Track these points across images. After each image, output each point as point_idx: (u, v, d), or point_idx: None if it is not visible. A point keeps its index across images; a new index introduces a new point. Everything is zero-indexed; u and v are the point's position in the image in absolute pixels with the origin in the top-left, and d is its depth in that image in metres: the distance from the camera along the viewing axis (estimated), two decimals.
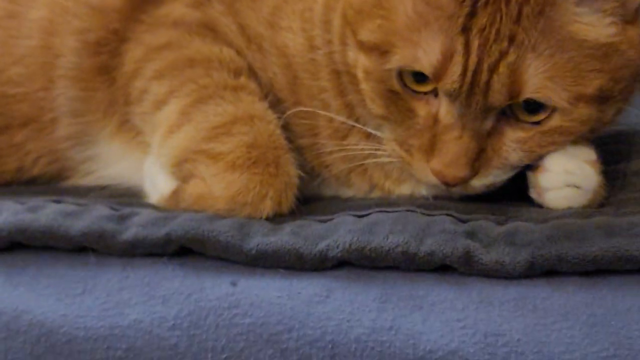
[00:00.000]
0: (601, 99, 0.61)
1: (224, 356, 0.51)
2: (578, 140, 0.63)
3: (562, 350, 0.47)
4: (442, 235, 0.55)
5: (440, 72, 0.58)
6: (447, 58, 0.58)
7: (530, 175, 0.64)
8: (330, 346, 0.50)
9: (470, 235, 0.56)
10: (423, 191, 0.68)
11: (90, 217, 0.61)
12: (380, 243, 0.55)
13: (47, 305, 0.55)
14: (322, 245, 0.56)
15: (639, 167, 0.71)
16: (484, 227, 0.58)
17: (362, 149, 0.67)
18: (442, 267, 0.54)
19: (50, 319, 0.54)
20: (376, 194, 0.70)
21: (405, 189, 0.69)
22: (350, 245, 0.55)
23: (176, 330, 0.52)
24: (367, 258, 0.55)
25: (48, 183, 0.77)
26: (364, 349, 0.49)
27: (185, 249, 0.58)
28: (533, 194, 0.64)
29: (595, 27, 0.59)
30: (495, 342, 0.48)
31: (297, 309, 0.52)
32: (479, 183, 0.62)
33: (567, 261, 0.52)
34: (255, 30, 0.71)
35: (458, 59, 0.58)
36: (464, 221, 0.60)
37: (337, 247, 0.55)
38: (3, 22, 0.75)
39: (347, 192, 0.71)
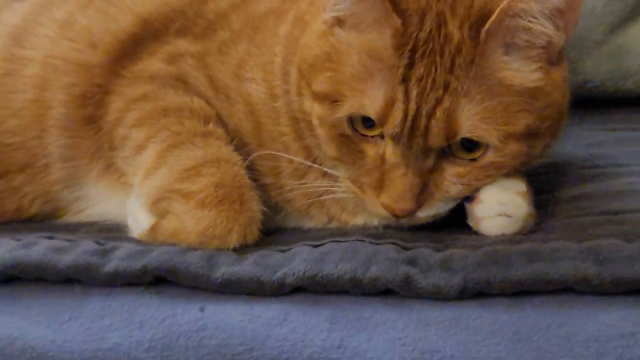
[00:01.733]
0: (529, 136, 0.59)
1: None
2: (510, 173, 0.61)
3: None
4: (385, 262, 0.54)
5: (383, 118, 0.57)
6: (389, 105, 0.56)
7: (467, 205, 0.63)
8: None
9: (411, 262, 0.55)
10: (375, 222, 0.65)
11: (77, 252, 0.59)
12: (330, 271, 0.53)
13: (37, 332, 0.54)
14: (279, 274, 0.54)
15: (568, 195, 0.69)
16: (424, 254, 0.56)
17: (320, 186, 0.66)
18: (385, 291, 0.52)
19: (40, 344, 0.53)
20: (334, 224, 0.68)
21: (359, 220, 0.67)
22: (304, 273, 0.54)
23: (151, 352, 0.51)
24: (319, 284, 0.53)
25: (43, 221, 0.75)
26: None
27: (160, 279, 0.56)
28: (470, 222, 0.63)
29: (521, 72, 0.57)
30: (430, 358, 0.47)
31: (257, 331, 0.51)
32: (424, 214, 0.60)
33: (495, 284, 0.50)
34: (223, 81, 0.69)
35: (399, 106, 0.56)
36: (407, 249, 0.58)
37: (293, 274, 0.54)
38: (2, 79, 0.73)
39: (308, 224, 0.69)
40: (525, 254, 0.54)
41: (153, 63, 0.71)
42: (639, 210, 0.63)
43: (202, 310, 0.53)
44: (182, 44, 0.72)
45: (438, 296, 0.51)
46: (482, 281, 0.51)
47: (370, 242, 0.59)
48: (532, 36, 0.57)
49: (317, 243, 0.60)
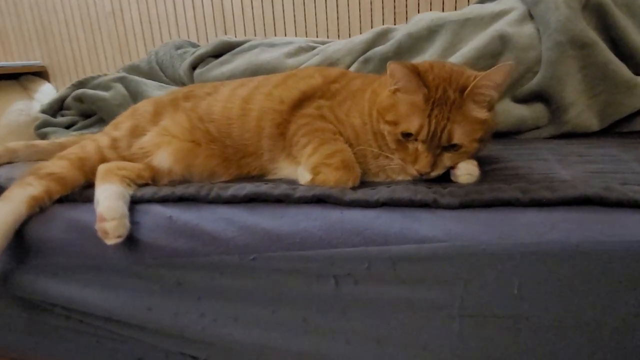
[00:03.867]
0: (480, 141, 0.83)
1: (336, 241, 0.76)
2: (471, 156, 0.86)
3: (477, 234, 0.70)
4: (422, 192, 0.76)
5: (419, 132, 0.81)
6: (421, 127, 0.80)
7: (451, 171, 0.85)
8: (382, 234, 0.71)
9: (434, 192, 0.76)
10: (407, 178, 0.88)
11: (281, 188, 0.82)
12: (400, 196, 0.76)
13: (267, 222, 0.78)
14: (375, 197, 0.76)
15: (489, 168, 0.91)
16: (438, 189, 0.78)
17: (384, 163, 0.89)
18: (424, 205, 0.74)
19: (269, 227, 0.76)
20: (388, 180, 0.91)
21: (400, 177, 0.89)
22: (388, 196, 0.76)
23: (321, 231, 0.75)
24: (394, 202, 0.75)
25: (260, 178, 1.00)
26: (395, 235, 0.70)
27: (320, 200, 0.79)
28: (452, 178, 0.85)
29: (480, 113, 0.82)
30: (450, 232, 0.70)
31: (368, 222, 0.72)
32: (434, 174, 0.83)
33: (475, 202, 0.74)
34: (341, 117, 0.93)
35: (426, 127, 0.80)
36: (429, 187, 0.79)
37: (382, 197, 0.75)
38: (241, 117, 1.00)
39: (377, 179, 0.92)
40: (487, 189, 0.76)
41: (309, 110, 0.96)
42: (527, 174, 0.85)
43: (342, 213, 0.75)
44: (322, 102, 0.96)
45: (449, 207, 0.73)
46: (469, 200, 0.74)
47: (412, 185, 0.80)
48: (485, 97, 0.80)
49: (387, 186, 0.81)
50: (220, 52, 1.65)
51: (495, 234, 0.69)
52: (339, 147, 0.89)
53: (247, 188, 0.85)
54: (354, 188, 0.83)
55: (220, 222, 0.81)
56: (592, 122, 1.15)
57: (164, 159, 1.00)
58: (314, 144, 0.90)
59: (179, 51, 1.83)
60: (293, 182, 0.90)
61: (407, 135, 0.85)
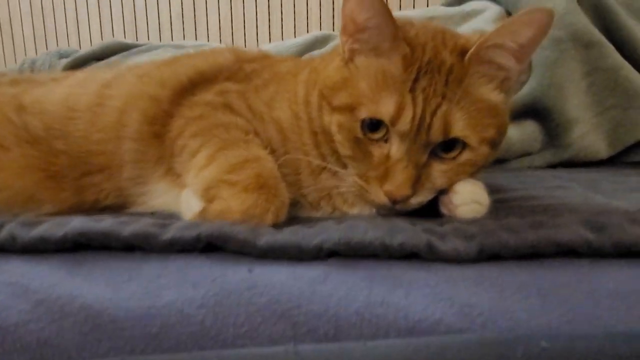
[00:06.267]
0: (493, 144, 0.54)
1: (243, 330, 0.39)
2: (476, 172, 0.56)
3: (527, 316, 0.36)
4: (407, 231, 0.45)
5: (395, 119, 0.51)
6: (400, 109, 0.51)
7: (443, 198, 0.56)
8: (334, 319, 0.38)
9: (428, 231, 0.46)
10: (367, 211, 0.58)
11: (139, 224, 0.48)
12: (362, 238, 0.44)
13: (97, 291, 0.42)
14: (317, 240, 0.44)
15: (495, 198, 0.61)
16: (432, 226, 0.47)
17: (330, 183, 0.59)
18: (410, 256, 0.43)
19: (98, 302, 0.41)
20: (336, 214, 0.61)
21: (355, 210, 0.60)
22: (339, 239, 0.44)
23: (203, 309, 0.40)
24: (353, 249, 0.44)
25: (116, 211, 0.66)
26: (362, 320, 0.38)
27: (211, 246, 0.46)
28: (445, 210, 0.55)
29: (491, 92, 0.54)
30: (470, 312, 0.37)
31: (303, 289, 0.40)
32: (415, 201, 0.53)
33: (510, 247, 0.42)
34: (259, 109, 0.63)
35: (409, 108, 0.51)
36: (413, 224, 0.49)
37: (329, 241, 0.44)
38: (93, 108, 0.66)
39: (317, 214, 0.62)
40: (525, 224, 0.45)
41: (207, 95, 0.65)
42: (560, 204, 0.57)
43: (250, 271, 0.43)
44: (228, 85, 0.67)
45: (457, 258, 0.43)
46: (497, 245, 0.42)
47: (382, 220, 0.50)
48: (498, 67, 0.53)
49: (339, 220, 0.51)
50: (110, 54, 1.23)
51: (568, 313, 0.37)
52: (253, 153, 0.57)
53: (74, 222, 0.50)
54: (276, 225, 0.52)
55: (2, 291, 0.43)
56: (599, 146, 0.86)
57: None
58: (210, 149, 0.58)
59: (63, 60, 1.44)
60: (173, 217, 0.57)
61: (373, 126, 0.53)
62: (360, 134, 0.53)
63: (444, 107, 0.51)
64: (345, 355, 0.36)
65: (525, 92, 0.92)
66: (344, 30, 0.55)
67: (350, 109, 0.53)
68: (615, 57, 0.89)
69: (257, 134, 0.61)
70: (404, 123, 0.51)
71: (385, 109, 0.51)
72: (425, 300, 0.38)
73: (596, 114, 0.89)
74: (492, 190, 0.66)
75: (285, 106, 0.62)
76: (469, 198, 0.54)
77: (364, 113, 0.52)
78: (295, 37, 1.62)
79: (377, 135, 0.53)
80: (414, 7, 1.56)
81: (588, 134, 0.89)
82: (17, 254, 0.48)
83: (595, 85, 0.90)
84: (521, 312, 0.36)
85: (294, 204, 0.59)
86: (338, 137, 0.55)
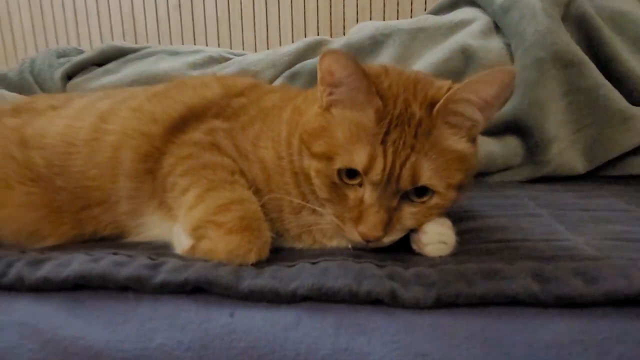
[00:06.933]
0: (460, 187, 0.57)
1: None
2: (443, 213, 0.59)
3: None
4: (373, 278, 0.48)
5: (368, 169, 0.54)
6: (372, 160, 0.54)
7: (413, 235, 0.59)
8: None
9: (391, 277, 0.49)
10: (343, 244, 0.62)
11: (133, 266, 0.52)
12: (332, 285, 0.48)
13: (96, 333, 0.46)
14: (292, 286, 0.48)
15: (467, 227, 0.66)
16: (397, 271, 0.50)
17: (310, 220, 0.62)
18: (375, 301, 0.47)
19: (98, 343, 0.46)
20: (316, 246, 0.64)
21: (334, 243, 0.63)
22: (312, 285, 0.48)
23: (189, 352, 0.44)
24: (324, 295, 0.47)
25: (113, 240, 0.69)
26: None
27: (198, 288, 0.50)
28: (415, 247, 0.59)
29: (459, 143, 0.56)
30: None
31: (277, 335, 0.45)
32: (388, 239, 0.57)
33: (462, 298, 0.45)
34: (245, 148, 0.65)
35: (380, 160, 0.53)
36: (381, 266, 0.52)
37: (304, 287, 0.48)
38: (90, 143, 0.68)
39: (299, 245, 0.65)
40: (479, 272, 0.48)
41: (196, 134, 0.67)
42: (523, 240, 0.60)
43: (231, 315, 0.47)
44: (216, 123, 0.68)
45: (417, 306, 0.46)
46: (452, 295, 0.46)
47: (353, 261, 0.53)
48: (465, 118, 0.56)
49: (314, 261, 0.54)
50: (107, 59, 1.27)
51: None
52: (238, 195, 0.59)
53: (74, 264, 0.54)
54: (259, 263, 0.55)
55: (12, 331, 0.48)
56: (576, 162, 0.90)
57: None
58: (198, 189, 0.61)
59: (62, 60, 1.46)
60: (167, 248, 0.62)
61: (348, 175, 0.56)
62: (337, 180, 0.56)
63: (412, 159, 0.54)
64: None
65: (507, 110, 0.94)
66: (321, 81, 0.57)
67: (327, 157, 0.56)
68: (595, 76, 0.91)
69: (243, 173, 0.64)
70: (376, 173, 0.54)
71: (359, 159, 0.54)
72: (385, 348, 0.43)
73: (574, 131, 0.92)
74: (462, 217, 0.70)
75: (270, 145, 0.64)
76: (436, 238, 0.57)
77: (339, 163, 0.55)
78: (293, 38, 1.62)
79: (353, 181, 0.56)
80: (411, 7, 1.55)
81: (566, 151, 0.92)
82: (25, 292, 0.53)
83: (574, 104, 0.92)
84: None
85: (279, 235, 0.63)
86: (316, 181, 0.58)
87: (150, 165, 0.66)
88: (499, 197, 0.81)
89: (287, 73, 1.11)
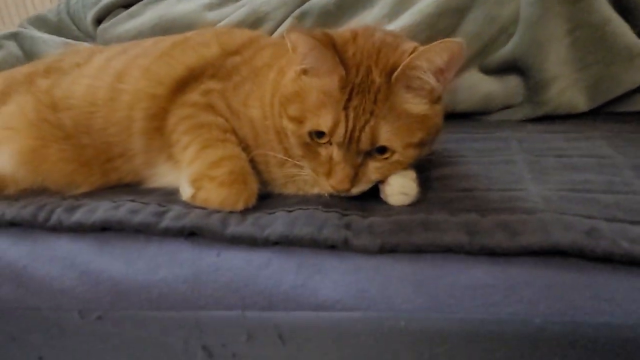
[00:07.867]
0: (420, 145, 0.62)
1: (211, 299, 0.54)
2: (407, 167, 0.65)
3: (400, 301, 0.50)
4: (332, 227, 0.57)
5: (332, 131, 0.60)
6: (336, 124, 0.60)
7: (380, 186, 0.65)
8: (269, 295, 0.53)
9: (347, 227, 0.57)
10: (324, 192, 0.69)
11: (144, 213, 0.63)
12: (298, 232, 0.57)
13: (117, 266, 0.58)
14: (266, 233, 0.58)
15: (436, 175, 0.70)
16: (355, 220, 0.59)
17: (292, 172, 0.69)
18: (332, 246, 0.56)
19: (118, 275, 0.58)
20: (300, 192, 0.72)
21: (315, 190, 0.70)
22: (282, 233, 0.57)
23: (185, 283, 0.55)
24: (291, 241, 0.56)
25: (133, 186, 0.79)
26: (287, 297, 0.52)
27: (193, 232, 0.61)
28: (382, 196, 0.65)
29: (416, 105, 0.61)
30: (363, 295, 0.51)
31: (252, 272, 0.55)
32: (356, 191, 0.63)
33: (401, 246, 0.54)
34: (236, 108, 0.71)
35: (342, 124, 0.60)
36: (345, 215, 0.60)
37: (275, 234, 0.57)
38: (108, 103, 0.77)
39: (285, 192, 0.73)
40: (421, 224, 0.56)
41: (194, 96, 0.73)
42: (484, 189, 0.65)
43: (218, 255, 0.57)
44: (212, 84, 0.74)
45: (365, 252, 0.54)
46: (394, 244, 0.54)
47: (322, 210, 0.61)
48: (422, 83, 0.60)
49: (290, 209, 0.63)
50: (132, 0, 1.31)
51: (427, 301, 0.50)
52: (228, 152, 0.68)
53: (99, 211, 0.66)
54: (247, 210, 0.65)
55: (57, 264, 0.62)
56: (578, 100, 0.90)
57: (4, 161, 0.76)
58: (196, 146, 0.69)
59: None
60: (176, 194, 0.72)
61: (318, 135, 0.63)
62: (308, 140, 0.64)
63: (371, 123, 0.60)
64: (272, 320, 0.52)
65: (507, 49, 0.93)
66: (293, 50, 0.62)
67: (299, 120, 0.63)
68: (602, 11, 0.86)
69: (234, 131, 0.72)
70: (338, 136, 0.61)
71: (324, 123, 0.61)
72: (334, 285, 0.52)
73: (577, 69, 0.90)
74: (438, 162, 0.76)
75: (257, 105, 0.71)
76: (398, 190, 0.64)
77: (308, 126, 0.62)
78: None
79: (322, 140, 0.63)
80: None
81: (567, 90, 0.91)
82: (64, 233, 0.66)
83: (579, 41, 0.88)
84: (396, 297, 0.50)
85: (268, 184, 0.72)
86: (292, 141, 0.66)
87: (159, 124, 0.74)
88: (488, 140, 0.85)
89: (295, 13, 1.12)
